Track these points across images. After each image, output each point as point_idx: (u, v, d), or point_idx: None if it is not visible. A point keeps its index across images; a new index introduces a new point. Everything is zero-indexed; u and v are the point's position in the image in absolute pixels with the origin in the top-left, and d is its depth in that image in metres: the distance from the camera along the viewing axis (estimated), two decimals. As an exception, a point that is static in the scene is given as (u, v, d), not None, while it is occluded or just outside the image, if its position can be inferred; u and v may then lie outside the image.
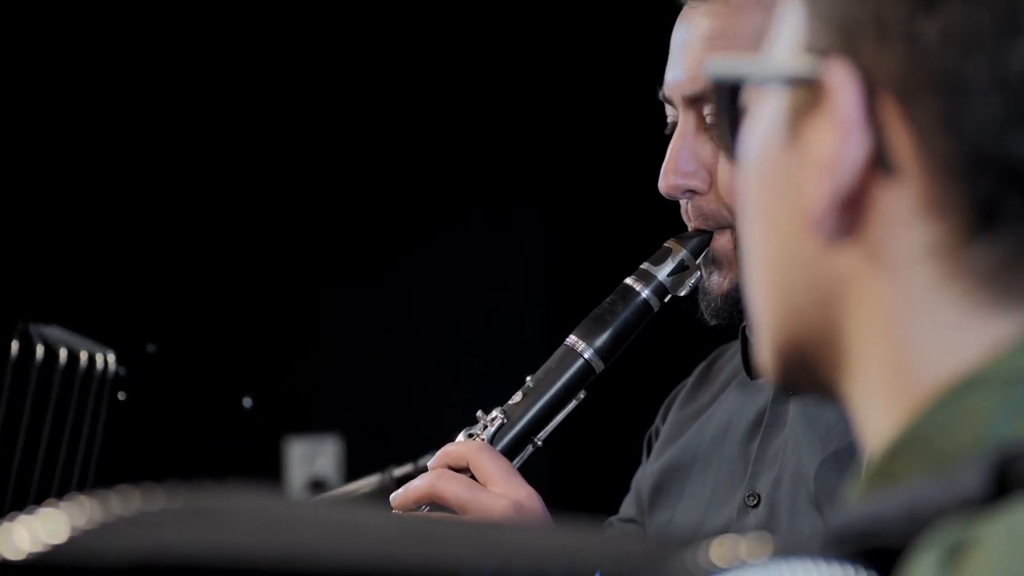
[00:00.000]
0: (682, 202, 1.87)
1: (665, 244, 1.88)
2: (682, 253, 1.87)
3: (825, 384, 0.93)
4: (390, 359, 3.93)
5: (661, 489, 1.98)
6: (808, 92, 0.90)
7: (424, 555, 0.79)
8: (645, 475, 2.02)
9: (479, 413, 1.87)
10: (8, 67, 3.77)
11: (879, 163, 0.87)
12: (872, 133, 0.87)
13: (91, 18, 3.86)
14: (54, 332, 2.55)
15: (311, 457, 3.92)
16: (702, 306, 1.87)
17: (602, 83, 3.69)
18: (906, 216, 0.87)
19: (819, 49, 0.89)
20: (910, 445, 0.86)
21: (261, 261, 3.98)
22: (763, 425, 1.88)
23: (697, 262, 1.87)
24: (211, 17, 3.94)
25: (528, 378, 1.87)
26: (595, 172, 3.66)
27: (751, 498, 1.87)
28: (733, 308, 1.84)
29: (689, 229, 1.87)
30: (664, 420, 2.06)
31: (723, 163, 1.82)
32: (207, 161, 3.98)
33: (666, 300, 1.88)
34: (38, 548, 0.74)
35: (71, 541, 0.74)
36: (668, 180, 1.85)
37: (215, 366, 2.90)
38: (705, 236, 1.86)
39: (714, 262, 1.85)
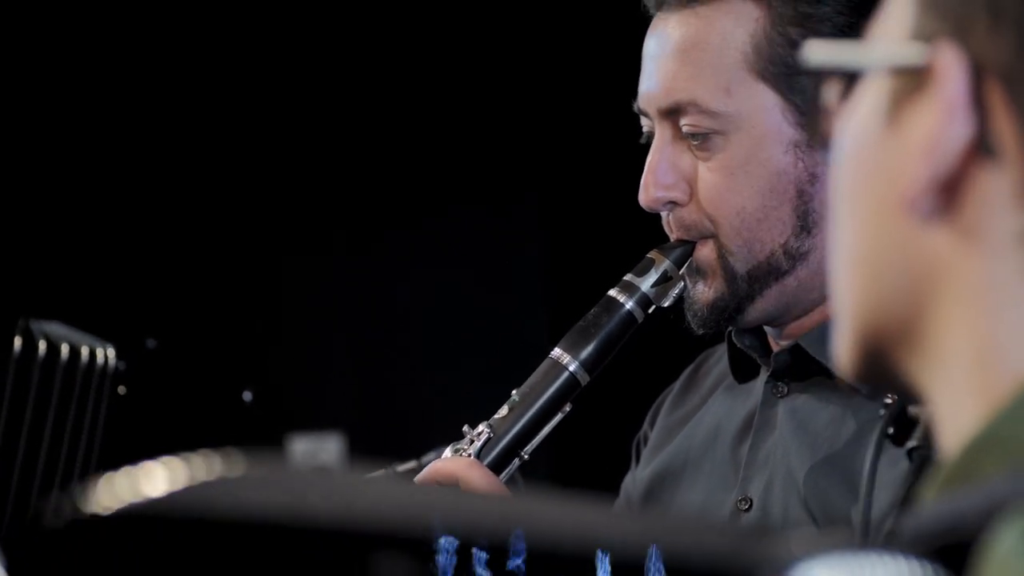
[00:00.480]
0: (663, 214, 1.88)
1: (648, 255, 1.89)
2: (665, 264, 1.88)
3: (904, 378, 0.93)
4: (392, 356, 3.95)
5: (652, 495, 1.98)
6: (912, 78, 0.90)
7: (514, 526, 0.84)
8: (635, 481, 2.02)
9: (465, 428, 1.89)
10: (8, 66, 3.76)
11: (980, 147, 0.88)
12: (976, 117, 0.88)
13: (87, 20, 3.88)
14: (55, 328, 2.57)
15: (313, 453, 3.95)
16: (688, 316, 1.88)
17: (602, 82, 3.69)
18: (1003, 201, 0.88)
19: (927, 35, 0.90)
20: (989, 444, 0.86)
21: (263, 258, 4.01)
22: (753, 428, 1.89)
23: (680, 272, 1.88)
24: (203, 15, 3.95)
25: (514, 392, 1.88)
26: (595, 171, 3.67)
27: (743, 502, 1.87)
28: (719, 317, 1.86)
29: (671, 240, 1.89)
30: (652, 426, 2.06)
31: (703, 173, 1.84)
32: (208, 156, 4.00)
33: (650, 311, 1.89)
34: (140, 499, 0.79)
35: (171, 496, 0.79)
36: (648, 193, 1.86)
37: (216, 361, 2.90)
38: (688, 246, 1.87)
39: (698, 272, 1.86)
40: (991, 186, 0.88)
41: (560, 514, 0.88)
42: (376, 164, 3.98)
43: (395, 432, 3.74)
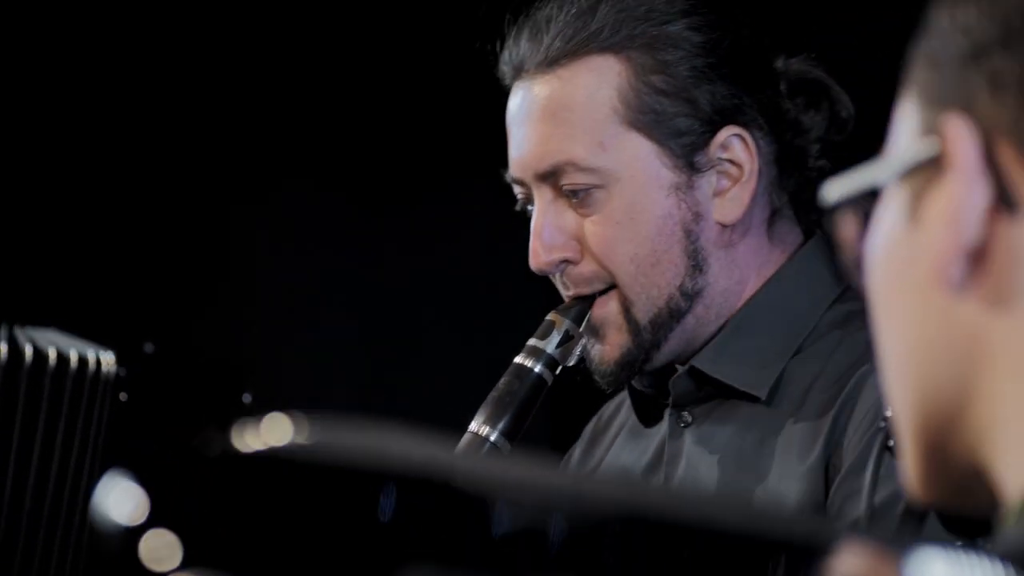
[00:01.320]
0: (556, 275, 1.95)
1: (547, 318, 1.95)
2: (566, 324, 1.94)
3: (973, 472, 0.94)
4: (396, 363, 3.98)
5: None
6: (928, 172, 0.94)
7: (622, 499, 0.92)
8: None
9: None
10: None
11: (1001, 204, 0.91)
12: (993, 178, 0.91)
13: (80, 25, 3.84)
14: (51, 336, 2.57)
15: None
16: (595, 376, 1.96)
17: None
18: None
19: (935, 125, 0.95)
20: None
21: (263, 263, 4.03)
22: (664, 461, 1.96)
23: (581, 330, 1.94)
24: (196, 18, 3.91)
25: None
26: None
27: None
28: (628, 371, 1.95)
29: (566, 299, 1.96)
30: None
31: (589, 228, 1.91)
32: (205, 159, 3.99)
33: (557, 372, 1.95)
34: (269, 446, 0.91)
35: (296, 444, 0.92)
36: (539, 258, 1.94)
37: (215, 365, 2.83)
38: (584, 304, 1.94)
39: (597, 332, 1.93)
40: (1016, 239, 0.91)
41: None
42: (382, 177, 4.01)
43: None
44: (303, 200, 4.01)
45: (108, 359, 2.50)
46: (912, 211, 0.95)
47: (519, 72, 1.95)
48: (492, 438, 1.93)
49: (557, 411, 2.09)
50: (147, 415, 2.54)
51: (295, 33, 3.96)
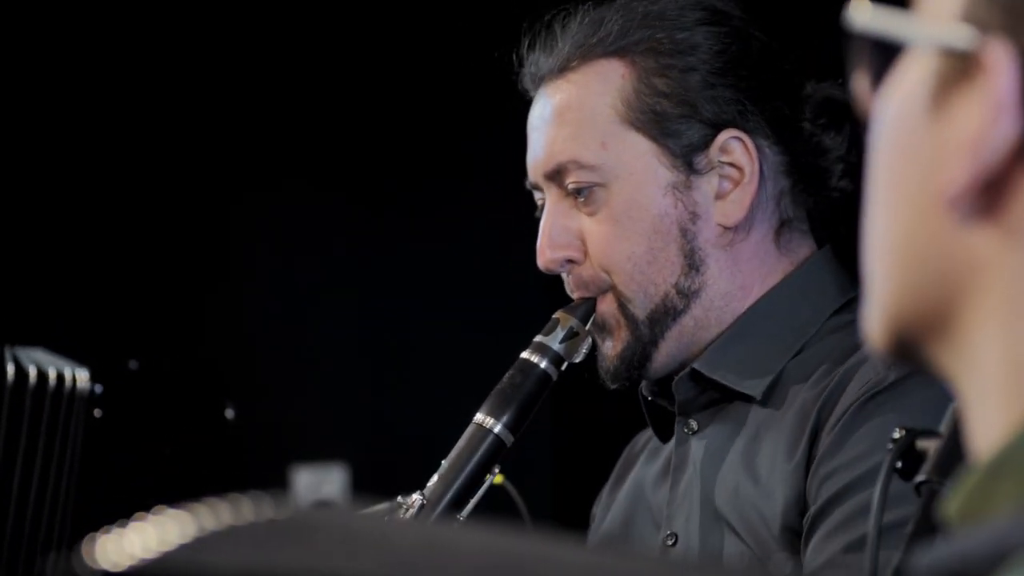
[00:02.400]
0: (564, 275, 2.01)
1: (554, 316, 2.01)
2: (571, 322, 1.99)
3: (933, 363, 0.91)
4: (397, 387, 3.99)
5: None
6: (959, 63, 0.88)
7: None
8: None
9: (399, 498, 2.00)
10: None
11: None
12: (1023, 117, 0.85)
13: (75, 28, 3.82)
14: (33, 354, 2.60)
15: (317, 485, 3.99)
16: (600, 372, 2.01)
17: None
18: None
19: (978, 21, 0.88)
20: (1009, 467, 0.84)
21: (264, 289, 4.05)
22: (671, 468, 2.01)
23: (587, 328, 2.00)
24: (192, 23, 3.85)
25: (444, 460, 2.00)
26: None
27: (669, 537, 2.00)
28: (629, 368, 1.99)
29: (574, 300, 2.02)
30: (599, 504, 2.20)
31: (591, 227, 1.97)
32: (199, 170, 4.01)
33: (563, 368, 2.00)
34: (136, 559, 0.78)
35: (169, 553, 0.78)
36: (545, 256, 2.00)
37: (206, 386, 2.84)
38: (590, 303, 2.00)
39: (603, 328, 1.99)
40: None
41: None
42: (380, 179, 4.02)
43: (400, 464, 3.71)
44: (299, 205, 4.05)
45: (83, 376, 2.56)
46: (935, 97, 0.89)
47: (538, 82, 2.03)
48: (496, 430, 1.98)
49: (559, 408, 2.14)
50: (123, 431, 2.60)
51: (293, 34, 3.98)
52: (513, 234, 3.92)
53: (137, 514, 0.82)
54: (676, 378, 2.00)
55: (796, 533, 1.85)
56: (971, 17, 0.88)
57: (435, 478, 1.98)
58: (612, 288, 1.98)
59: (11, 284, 3.83)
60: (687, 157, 1.96)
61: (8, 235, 3.84)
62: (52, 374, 2.54)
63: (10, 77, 3.83)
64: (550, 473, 3.55)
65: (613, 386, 2.02)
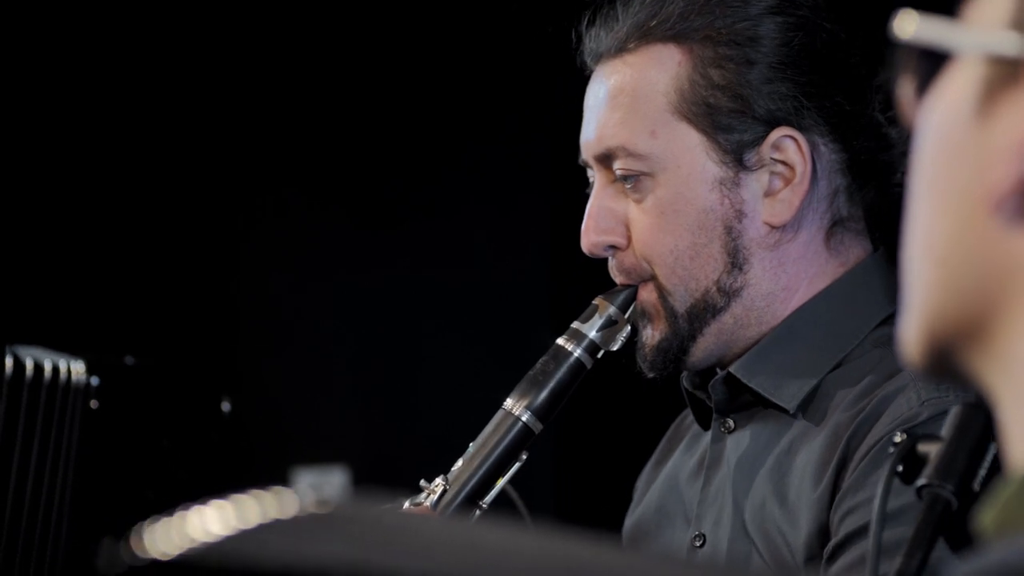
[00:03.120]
0: (608, 259, 1.98)
1: (593, 302, 1.98)
2: (609, 309, 1.96)
3: (970, 374, 0.91)
4: (398, 388, 3.97)
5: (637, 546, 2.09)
6: (1008, 69, 0.89)
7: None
8: (623, 536, 2.14)
9: (422, 482, 1.97)
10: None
11: None
12: None
13: (68, 32, 3.83)
14: (30, 349, 2.62)
15: (318, 487, 4.00)
16: (638, 359, 1.98)
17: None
18: None
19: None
20: None
21: (267, 292, 4.05)
22: (704, 466, 1.99)
23: (626, 316, 1.97)
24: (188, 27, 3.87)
25: (471, 444, 1.97)
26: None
27: (697, 538, 1.97)
28: (665, 358, 1.96)
29: (617, 284, 1.99)
30: (641, 479, 2.17)
31: (636, 215, 1.94)
32: (198, 166, 4.01)
33: (599, 356, 1.98)
34: (184, 548, 0.80)
35: (216, 543, 0.80)
36: (588, 238, 1.97)
37: (193, 376, 2.85)
38: (631, 290, 1.97)
39: (643, 315, 1.96)
40: None
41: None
42: (388, 190, 4.02)
43: (401, 465, 3.73)
44: (302, 203, 4.05)
45: (79, 368, 2.57)
46: (982, 103, 0.89)
47: (596, 58, 1.99)
48: (524, 418, 1.95)
49: (592, 395, 2.10)
50: (120, 423, 2.60)
51: (293, 46, 3.99)
52: (516, 238, 3.95)
53: (184, 504, 0.85)
54: (713, 380, 1.96)
55: (819, 565, 1.81)
56: (1020, 23, 0.89)
57: (459, 463, 1.95)
58: (653, 278, 1.95)
59: (9, 280, 3.83)
60: (737, 153, 1.91)
61: (6, 232, 3.84)
62: (48, 367, 2.56)
63: (8, 76, 3.82)
64: (551, 476, 3.53)
65: (650, 375, 1.98)
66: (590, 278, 3.48)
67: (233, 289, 4.03)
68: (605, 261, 2.00)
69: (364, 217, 4.00)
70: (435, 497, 1.93)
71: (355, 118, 3.96)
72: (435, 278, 3.96)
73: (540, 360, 1.97)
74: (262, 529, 0.81)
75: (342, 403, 3.99)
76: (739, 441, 1.95)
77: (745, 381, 1.92)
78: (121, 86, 3.91)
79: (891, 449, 1.30)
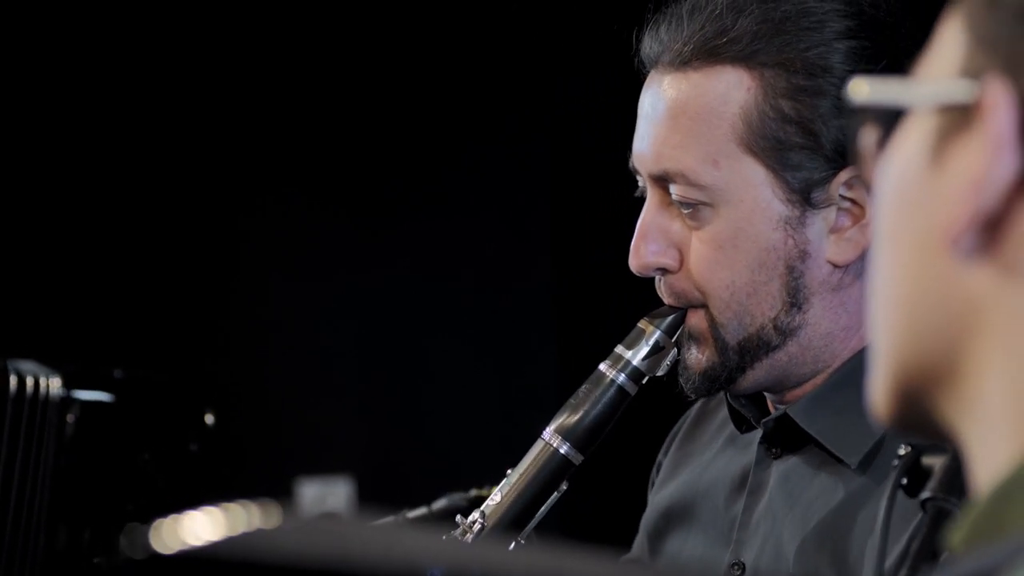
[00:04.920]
0: (656, 277, 1.90)
1: (639, 324, 1.90)
2: (656, 335, 1.88)
3: (938, 420, 0.94)
4: (403, 399, 3.99)
5: (660, 536, 2.02)
6: (959, 116, 0.92)
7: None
8: (648, 511, 2.08)
9: (458, 518, 1.91)
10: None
11: None
12: (1022, 153, 0.89)
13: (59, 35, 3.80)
14: (15, 363, 2.59)
15: (322, 498, 3.98)
16: (681, 381, 1.90)
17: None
18: None
19: (976, 72, 0.92)
20: (1018, 488, 0.86)
21: (270, 302, 4.03)
22: (747, 489, 1.92)
23: (672, 340, 1.89)
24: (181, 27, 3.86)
25: (508, 471, 1.91)
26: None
27: (736, 567, 1.90)
28: (711, 385, 1.88)
29: (665, 304, 1.91)
30: (666, 455, 2.10)
31: (693, 243, 1.85)
32: (199, 173, 3.96)
33: (643, 382, 1.90)
34: (187, 546, 0.84)
35: (226, 541, 0.84)
36: (639, 258, 1.88)
37: (175, 387, 2.84)
38: (679, 314, 1.88)
39: (691, 337, 1.88)
40: None
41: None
42: (389, 198, 4.01)
43: (405, 477, 3.73)
44: (303, 214, 4.02)
45: (55, 383, 2.58)
46: (935, 152, 0.92)
47: (656, 63, 1.86)
48: (563, 450, 1.86)
49: (636, 419, 2.03)
50: (98, 436, 2.60)
51: (292, 47, 3.95)
52: (522, 247, 3.94)
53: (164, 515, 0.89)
54: (767, 419, 1.88)
55: None
56: (970, 69, 0.91)
57: (497, 496, 1.87)
58: (705, 307, 1.85)
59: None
60: (805, 192, 1.80)
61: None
62: (29, 382, 2.56)
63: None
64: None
65: (692, 397, 1.90)
66: (594, 285, 3.45)
67: (236, 300, 4.03)
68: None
69: (370, 224, 4.01)
70: (472, 536, 1.86)
71: (354, 118, 3.97)
72: (439, 287, 3.98)
73: (582, 387, 1.88)
74: (267, 531, 0.85)
75: (346, 413, 4.02)
76: (787, 474, 1.87)
77: (804, 427, 1.84)
78: (107, 98, 3.89)
79: (895, 462, 1.28)
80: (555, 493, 1.88)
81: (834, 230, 1.81)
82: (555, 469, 1.86)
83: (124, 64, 3.85)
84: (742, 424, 1.94)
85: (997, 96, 0.88)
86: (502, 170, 3.87)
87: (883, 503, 1.23)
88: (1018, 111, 0.88)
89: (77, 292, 3.89)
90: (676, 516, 1.99)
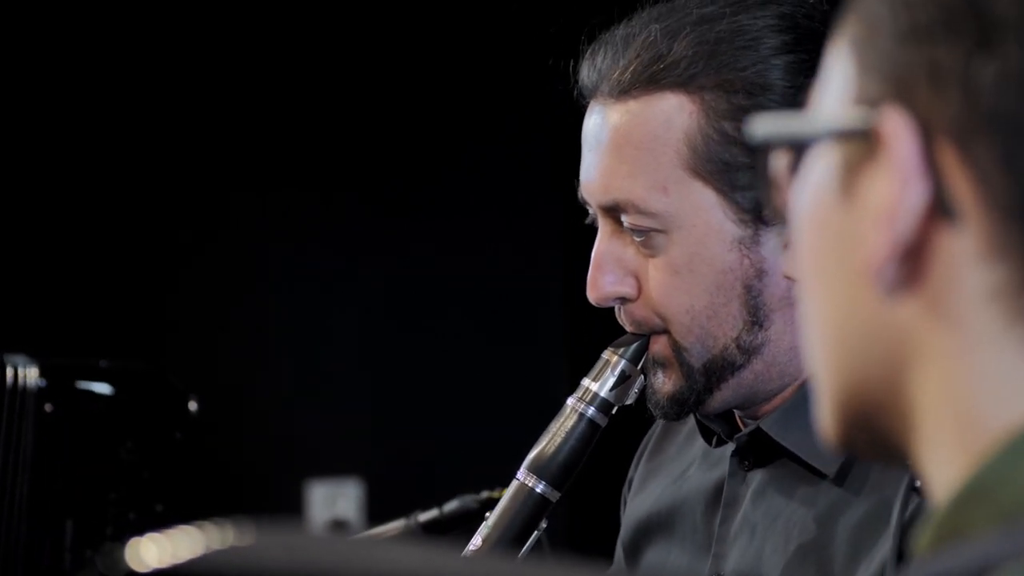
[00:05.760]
0: (616, 306, 1.90)
1: (603, 355, 1.90)
2: (621, 364, 1.88)
3: (890, 446, 0.95)
4: (413, 401, 4.00)
5: (638, 550, 2.04)
6: (861, 145, 0.91)
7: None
8: (624, 526, 2.09)
9: None
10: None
11: (939, 209, 0.88)
12: (931, 179, 0.88)
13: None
14: None
15: (332, 499, 4.00)
16: (650, 407, 1.89)
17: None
18: (968, 261, 0.88)
19: (870, 99, 0.91)
20: (975, 496, 0.87)
21: (279, 304, 4.01)
22: (723, 502, 1.92)
23: (638, 368, 1.89)
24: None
25: (487, 515, 1.92)
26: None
27: None
28: (680, 408, 1.88)
29: (627, 331, 1.92)
30: (636, 470, 2.11)
31: (650, 269, 1.85)
32: (186, 162, 3.96)
33: (613, 412, 1.89)
34: (166, 562, 0.83)
35: (196, 559, 0.83)
36: (597, 290, 1.87)
37: (158, 376, 2.82)
38: (642, 341, 1.88)
39: (656, 363, 1.88)
40: (954, 248, 0.88)
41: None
42: (400, 194, 3.98)
43: (416, 479, 3.76)
44: (313, 219, 4.02)
45: (32, 372, 2.54)
46: (844, 183, 0.91)
47: (595, 92, 1.85)
48: (539, 489, 1.87)
49: (610, 447, 2.01)
50: (76, 426, 2.56)
51: (300, 34, 3.93)
52: (532, 248, 3.92)
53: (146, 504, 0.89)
54: (739, 435, 1.87)
55: None
56: (863, 96, 0.91)
57: (478, 539, 1.87)
58: (667, 332, 1.85)
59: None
60: (756, 211, 1.79)
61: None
62: (9, 372, 2.50)
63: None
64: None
65: (662, 420, 1.95)
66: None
67: (245, 301, 4.02)
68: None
69: (380, 224, 4.00)
70: None
71: (353, 116, 3.95)
72: (450, 288, 3.98)
73: (552, 424, 1.88)
74: (252, 545, 0.83)
75: (356, 415, 4.03)
76: (763, 488, 1.87)
77: (779, 441, 1.83)
78: (106, 95, 3.89)
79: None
80: (535, 532, 1.88)
81: (789, 245, 1.80)
82: (533, 509, 1.87)
83: (120, 56, 3.84)
84: (711, 437, 1.94)
85: (895, 126, 0.88)
86: (510, 167, 3.89)
87: (896, 505, 1.19)
88: (919, 136, 0.87)
89: (82, 288, 3.88)
90: (654, 529, 2.00)
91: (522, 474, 1.88)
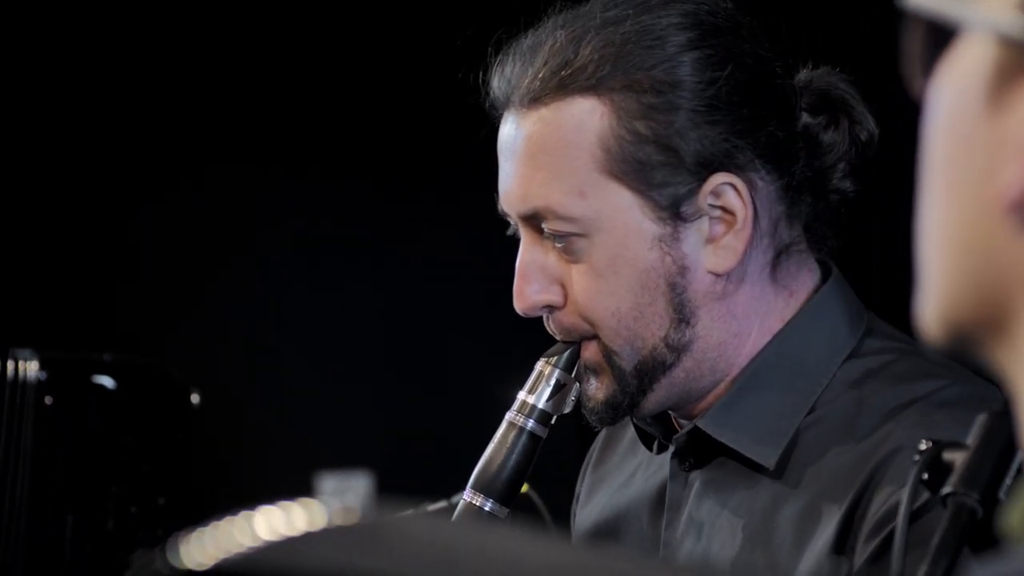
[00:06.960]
0: (544, 316, 1.91)
1: (536, 366, 1.91)
2: (556, 373, 1.89)
3: (991, 362, 0.89)
4: (422, 393, 4.02)
5: None
6: (1019, 54, 0.84)
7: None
8: (574, 539, 2.11)
9: None
10: None
11: None
12: None
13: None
14: None
15: (341, 491, 4.01)
16: (585, 413, 1.91)
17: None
18: None
19: None
20: None
21: (289, 298, 4.01)
22: (666, 506, 1.94)
23: (572, 375, 1.90)
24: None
25: None
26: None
27: None
28: (615, 413, 1.89)
29: (557, 340, 1.94)
30: (582, 483, 2.13)
31: (574, 274, 1.86)
32: (202, 156, 3.96)
33: (552, 422, 1.90)
34: (218, 558, 0.81)
35: (261, 551, 0.81)
36: (523, 300, 1.88)
37: (159, 369, 2.81)
38: (573, 349, 1.90)
39: (588, 369, 1.89)
40: None
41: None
42: (410, 193, 3.97)
43: (425, 471, 3.70)
44: (318, 210, 3.99)
45: (32, 365, 2.55)
46: (994, 89, 0.84)
47: (507, 103, 1.87)
48: (487, 507, 1.87)
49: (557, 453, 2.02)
50: (76, 418, 2.56)
51: (292, 47, 3.92)
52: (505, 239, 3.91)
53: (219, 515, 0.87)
54: (677, 435, 1.89)
55: None
56: None
57: None
58: (596, 338, 1.85)
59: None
60: (674, 207, 1.79)
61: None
62: (10, 366, 2.50)
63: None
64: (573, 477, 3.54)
65: (598, 428, 1.93)
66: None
67: (254, 294, 4.02)
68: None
69: (388, 218, 4.01)
70: None
71: (357, 116, 3.94)
72: (458, 280, 3.99)
73: (493, 440, 1.89)
74: (292, 541, 0.81)
75: (365, 407, 4.04)
76: (704, 487, 1.88)
77: (717, 437, 1.84)
78: (105, 92, 3.84)
79: (916, 457, 1.24)
80: None
81: (710, 240, 1.81)
82: None
83: (117, 53, 3.83)
84: (651, 443, 1.96)
85: None
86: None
87: (904, 499, 1.20)
88: None
89: (84, 281, 3.87)
90: (602, 539, 2.00)
91: (468, 494, 1.88)
